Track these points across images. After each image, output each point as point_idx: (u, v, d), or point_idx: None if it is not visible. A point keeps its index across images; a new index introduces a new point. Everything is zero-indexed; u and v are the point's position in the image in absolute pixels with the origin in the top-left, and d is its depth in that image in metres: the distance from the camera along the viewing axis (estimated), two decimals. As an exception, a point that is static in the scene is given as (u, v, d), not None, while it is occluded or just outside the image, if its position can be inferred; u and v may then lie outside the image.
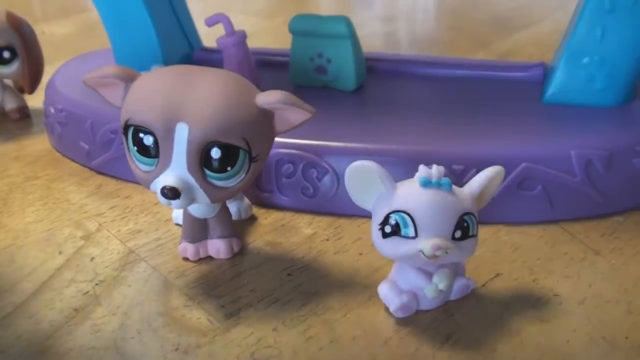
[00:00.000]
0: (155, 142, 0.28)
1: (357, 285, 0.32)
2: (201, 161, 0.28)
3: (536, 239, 0.35)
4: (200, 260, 0.34)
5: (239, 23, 0.45)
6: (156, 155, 0.28)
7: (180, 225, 0.34)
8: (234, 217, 0.35)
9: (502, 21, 0.72)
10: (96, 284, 0.32)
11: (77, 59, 0.51)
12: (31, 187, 0.40)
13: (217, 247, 0.33)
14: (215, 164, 0.28)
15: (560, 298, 0.31)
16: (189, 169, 0.28)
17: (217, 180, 0.29)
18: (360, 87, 0.43)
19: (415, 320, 0.30)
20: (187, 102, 0.28)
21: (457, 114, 0.39)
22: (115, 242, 0.35)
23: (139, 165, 0.29)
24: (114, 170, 0.41)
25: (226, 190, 0.29)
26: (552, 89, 0.40)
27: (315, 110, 0.29)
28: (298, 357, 0.28)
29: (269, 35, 0.69)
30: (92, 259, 0.34)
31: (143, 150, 0.29)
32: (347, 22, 0.41)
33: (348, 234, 0.36)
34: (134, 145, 0.29)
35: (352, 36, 0.42)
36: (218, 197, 0.30)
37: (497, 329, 0.29)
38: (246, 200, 0.37)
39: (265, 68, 0.46)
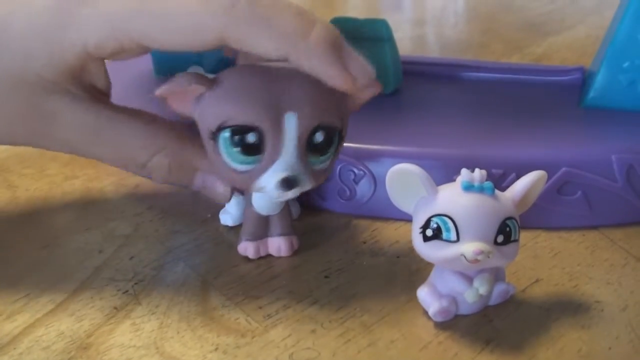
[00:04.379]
0: (260, 137, 0.28)
1: (395, 288, 0.32)
2: (307, 148, 0.29)
3: (576, 245, 0.35)
4: (237, 261, 0.34)
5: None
6: (262, 152, 0.29)
7: (227, 227, 0.34)
8: None
9: (536, 25, 0.71)
10: (135, 283, 0.32)
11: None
12: (70, 187, 0.40)
13: (278, 244, 0.33)
14: (318, 148, 0.29)
15: (601, 304, 0.30)
16: (299, 157, 0.29)
17: (316, 164, 0.30)
18: (397, 90, 0.43)
19: (454, 325, 0.29)
20: (289, 92, 0.28)
21: (495, 118, 0.39)
22: (154, 242, 0.35)
23: (237, 166, 0.29)
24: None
25: (323, 173, 0.30)
26: (593, 93, 0.39)
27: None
28: (337, 360, 0.28)
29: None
30: (131, 258, 0.34)
31: (246, 149, 0.29)
32: (386, 24, 0.41)
33: (385, 237, 0.36)
34: (234, 146, 0.29)
35: (390, 39, 0.41)
36: (318, 180, 0.30)
37: (538, 335, 0.29)
38: (297, 203, 0.37)
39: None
